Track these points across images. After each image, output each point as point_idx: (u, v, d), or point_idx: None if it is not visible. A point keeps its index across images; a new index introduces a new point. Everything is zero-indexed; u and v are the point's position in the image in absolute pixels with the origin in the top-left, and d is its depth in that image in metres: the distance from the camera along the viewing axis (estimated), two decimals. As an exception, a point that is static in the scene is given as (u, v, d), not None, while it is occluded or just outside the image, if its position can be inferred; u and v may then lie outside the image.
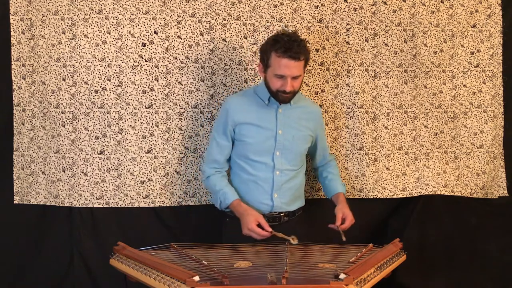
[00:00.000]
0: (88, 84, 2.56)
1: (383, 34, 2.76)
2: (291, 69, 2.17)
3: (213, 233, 2.45)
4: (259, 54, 2.34)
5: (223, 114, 2.35)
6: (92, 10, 2.53)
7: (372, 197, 2.78)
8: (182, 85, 2.62)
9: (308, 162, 2.59)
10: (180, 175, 2.65)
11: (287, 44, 2.15)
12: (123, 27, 2.55)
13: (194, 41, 2.62)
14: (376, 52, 2.76)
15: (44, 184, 2.64)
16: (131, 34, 2.56)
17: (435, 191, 2.83)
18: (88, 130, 2.57)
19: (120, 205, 2.61)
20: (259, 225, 2.17)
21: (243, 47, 2.65)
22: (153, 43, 2.58)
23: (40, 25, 2.57)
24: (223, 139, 2.35)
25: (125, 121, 2.58)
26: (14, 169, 2.65)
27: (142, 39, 2.57)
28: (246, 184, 2.34)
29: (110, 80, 2.56)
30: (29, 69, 2.60)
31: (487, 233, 2.92)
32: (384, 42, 2.76)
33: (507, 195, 2.91)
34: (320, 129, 2.48)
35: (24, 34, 2.59)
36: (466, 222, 2.91)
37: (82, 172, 2.59)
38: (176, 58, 2.61)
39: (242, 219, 2.21)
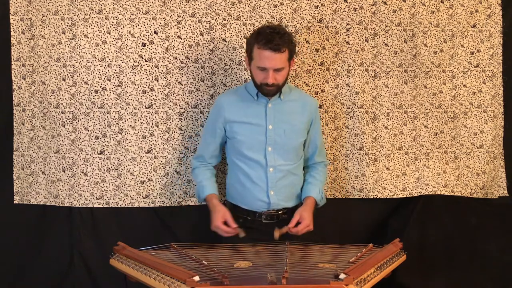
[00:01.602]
0: (88, 84, 2.56)
1: (383, 34, 2.76)
2: (272, 61, 2.17)
3: (213, 233, 2.45)
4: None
5: (214, 111, 2.41)
6: (92, 10, 2.54)
7: (372, 197, 2.78)
8: (182, 85, 2.62)
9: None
10: (180, 175, 2.65)
11: (268, 36, 2.16)
12: (123, 27, 2.55)
13: (194, 41, 2.62)
14: (376, 52, 2.76)
15: (44, 184, 2.64)
16: (131, 34, 2.56)
17: (435, 191, 2.83)
18: (88, 130, 2.57)
19: (120, 205, 2.61)
20: (227, 223, 2.21)
21: (243, 47, 2.65)
22: (153, 43, 2.58)
23: (40, 25, 2.57)
24: (209, 136, 2.42)
25: (125, 121, 2.58)
26: (14, 169, 2.65)
27: (142, 39, 2.57)
28: (242, 183, 2.35)
29: (110, 80, 2.56)
30: (29, 69, 2.60)
31: (487, 233, 2.92)
32: (384, 42, 2.77)
33: (507, 195, 2.91)
34: (315, 122, 2.42)
35: (24, 34, 2.59)
36: (466, 222, 2.91)
37: (82, 172, 2.59)
38: (176, 58, 2.61)
39: (211, 216, 2.26)
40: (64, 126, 2.58)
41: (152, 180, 2.62)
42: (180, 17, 2.60)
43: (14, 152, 2.64)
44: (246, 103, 2.35)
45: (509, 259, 2.93)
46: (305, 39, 2.69)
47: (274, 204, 2.33)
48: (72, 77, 2.56)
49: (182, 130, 2.63)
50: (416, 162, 2.83)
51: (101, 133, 2.58)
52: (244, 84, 2.47)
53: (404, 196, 2.81)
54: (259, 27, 2.29)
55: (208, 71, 2.64)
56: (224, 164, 2.66)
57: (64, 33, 2.55)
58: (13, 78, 2.60)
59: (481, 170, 2.86)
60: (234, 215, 2.37)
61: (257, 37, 2.19)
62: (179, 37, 2.60)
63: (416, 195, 2.82)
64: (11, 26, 2.58)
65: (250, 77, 2.65)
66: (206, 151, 2.44)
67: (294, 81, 2.69)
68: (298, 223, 2.23)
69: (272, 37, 2.15)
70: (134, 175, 2.60)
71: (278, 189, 2.33)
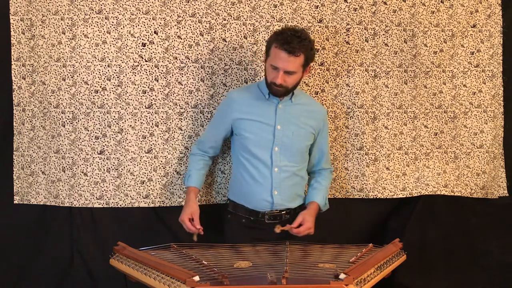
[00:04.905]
0: (88, 84, 2.56)
1: (383, 34, 2.76)
2: (284, 62, 2.19)
3: (214, 233, 2.45)
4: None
5: (225, 105, 2.42)
6: (92, 10, 2.53)
7: (372, 197, 2.78)
8: (182, 85, 2.62)
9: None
10: (180, 175, 2.65)
11: (288, 38, 2.18)
12: (123, 27, 2.55)
13: (194, 41, 2.62)
14: (376, 52, 2.76)
15: (44, 184, 2.64)
16: (131, 34, 2.56)
17: (435, 191, 2.83)
18: (88, 130, 2.57)
19: (120, 205, 2.61)
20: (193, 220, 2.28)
21: (243, 47, 2.65)
22: (153, 43, 2.58)
23: (40, 25, 2.56)
24: (214, 127, 2.47)
25: (125, 121, 2.58)
26: (14, 169, 2.64)
27: (142, 39, 2.57)
28: (247, 182, 2.35)
29: (110, 80, 2.56)
30: (29, 69, 2.60)
31: (487, 233, 2.92)
32: (384, 42, 2.77)
33: (507, 195, 2.91)
34: (323, 130, 2.46)
35: (24, 34, 2.59)
36: (466, 222, 2.91)
37: (82, 172, 2.59)
38: (176, 58, 2.61)
39: (183, 208, 2.34)
40: (64, 126, 2.58)
41: (152, 180, 2.62)
42: (180, 17, 2.60)
43: (14, 152, 2.64)
44: (257, 101, 2.36)
45: (509, 259, 2.93)
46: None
47: (277, 204, 2.33)
48: (72, 77, 2.56)
49: (182, 130, 2.63)
50: (416, 162, 2.82)
51: (101, 133, 2.58)
52: (257, 82, 2.48)
53: (404, 196, 2.81)
54: (283, 27, 2.30)
55: (208, 71, 2.64)
56: (224, 164, 2.66)
57: (64, 33, 2.55)
58: (13, 78, 2.60)
59: (481, 170, 2.86)
60: (236, 216, 2.38)
61: (277, 37, 2.21)
62: (179, 37, 2.60)
63: (416, 195, 2.82)
64: (11, 26, 2.58)
65: (251, 77, 2.66)
66: (207, 140, 2.48)
67: (294, 81, 2.69)
68: (300, 225, 2.28)
69: (291, 40, 2.17)
70: (134, 175, 2.60)
71: (282, 189, 2.33)
